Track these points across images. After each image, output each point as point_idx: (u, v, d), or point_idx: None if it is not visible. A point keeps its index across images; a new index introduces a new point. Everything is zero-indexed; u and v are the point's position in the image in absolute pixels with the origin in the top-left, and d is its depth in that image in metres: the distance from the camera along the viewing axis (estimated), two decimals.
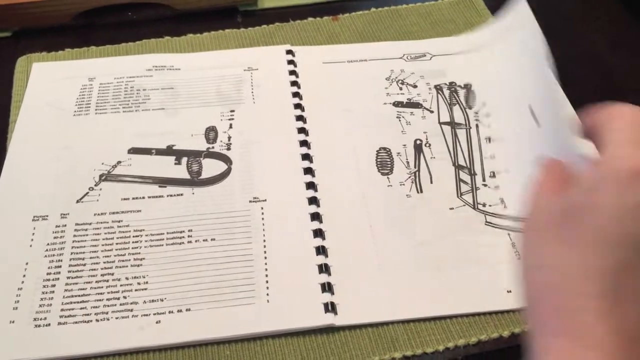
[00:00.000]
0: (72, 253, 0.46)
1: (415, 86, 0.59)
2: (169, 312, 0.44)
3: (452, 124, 0.56)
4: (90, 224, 0.48)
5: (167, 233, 0.48)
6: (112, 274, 0.45)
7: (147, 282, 0.45)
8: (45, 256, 0.46)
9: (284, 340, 0.43)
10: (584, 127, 0.34)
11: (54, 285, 0.45)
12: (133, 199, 0.50)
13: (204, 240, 0.47)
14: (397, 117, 0.56)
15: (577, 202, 0.30)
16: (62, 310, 0.43)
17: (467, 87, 0.59)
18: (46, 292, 0.44)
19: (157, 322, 0.43)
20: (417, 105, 0.58)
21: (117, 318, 0.43)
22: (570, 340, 0.28)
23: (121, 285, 0.45)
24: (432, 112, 0.57)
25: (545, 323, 0.29)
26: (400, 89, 0.59)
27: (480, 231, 0.49)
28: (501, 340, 0.43)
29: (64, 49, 0.62)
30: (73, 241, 0.47)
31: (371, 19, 0.67)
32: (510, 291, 0.45)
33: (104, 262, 0.46)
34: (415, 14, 0.67)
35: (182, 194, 0.50)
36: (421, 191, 0.51)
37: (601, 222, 0.28)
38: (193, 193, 0.50)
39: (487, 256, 0.47)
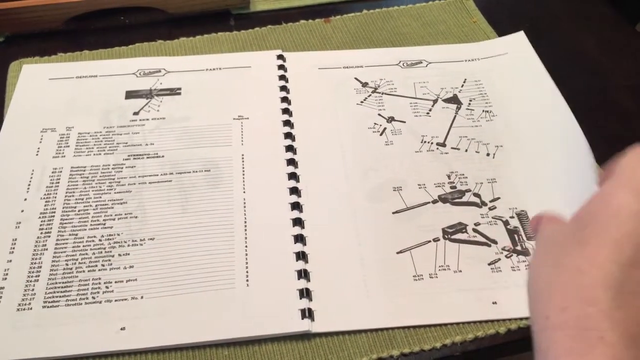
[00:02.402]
0: (53, 255, 0.46)
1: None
2: (146, 315, 0.43)
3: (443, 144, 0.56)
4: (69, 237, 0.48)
5: (148, 239, 0.48)
6: (93, 276, 0.45)
7: (128, 285, 0.45)
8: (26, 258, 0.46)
9: (282, 340, 0.43)
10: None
11: (34, 288, 0.44)
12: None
13: (185, 242, 0.47)
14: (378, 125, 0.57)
15: (590, 208, 0.32)
16: (41, 311, 0.43)
17: (455, 98, 0.59)
18: (26, 296, 0.44)
19: (133, 327, 0.43)
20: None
21: (97, 319, 0.43)
22: (574, 334, 0.28)
23: (103, 286, 0.45)
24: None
25: (549, 317, 0.30)
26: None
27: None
28: (498, 337, 0.44)
29: (56, 54, 0.62)
30: (56, 244, 0.47)
31: (363, 21, 0.67)
32: (495, 303, 0.45)
33: (87, 266, 0.46)
34: (406, 16, 0.68)
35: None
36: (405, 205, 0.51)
37: (613, 222, 0.30)
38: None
39: (470, 267, 0.47)
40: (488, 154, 0.54)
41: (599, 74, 0.63)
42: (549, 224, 0.36)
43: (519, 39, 0.64)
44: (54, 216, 0.49)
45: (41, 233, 0.48)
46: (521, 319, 0.44)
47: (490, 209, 0.50)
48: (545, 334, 0.30)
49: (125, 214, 0.49)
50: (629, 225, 0.30)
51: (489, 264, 0.47)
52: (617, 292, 0.29)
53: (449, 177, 0.53)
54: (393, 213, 0.50)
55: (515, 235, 0.49)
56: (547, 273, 0.32)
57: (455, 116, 0.58)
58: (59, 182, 0.51)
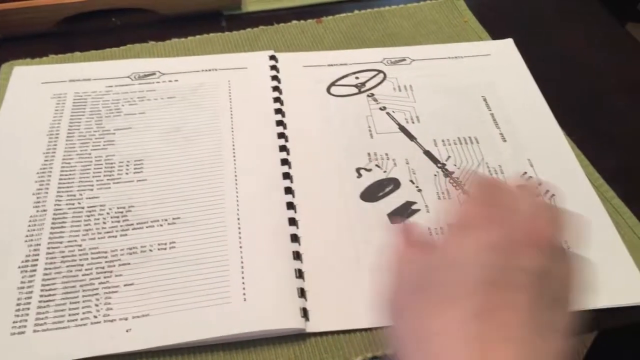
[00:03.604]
0: (46, 262, 0.46)
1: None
2: (143, 315, 0.43)
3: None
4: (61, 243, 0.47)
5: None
6: (87, 280, 0.45)
7: (120, 288, 0.45)
8: (19, 267, 0.46)
9: (276, 341, 0.43)
10: None
11: (30, 294, 0.44)
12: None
13: (178, 243, 0.47)
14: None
15: (434, 264, 0.32)
16: (37, 318, 0.43)
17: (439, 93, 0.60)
18: (21, 301, 0.44)
19: (127, 330, 0.42)
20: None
21: (92, 324, 0.43)
22: None
23: (100, 291, 0.45)
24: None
25: None
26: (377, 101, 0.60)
27: None
28: None
29: (47, 55, 0.62)
30: (47, 250, 0.47)
31: (355, 21, 0.67)
32: None
33: (84, 273, 0.46)
34: (398, 16, 0.68)
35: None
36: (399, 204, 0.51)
37: (450, 277, 0.30)
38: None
39: None
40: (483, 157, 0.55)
41: (590, 73, 0.64)
42: (409, 255, 0.35)
43: (507, 44, 0.65)
44: (44, 218, 0.48)
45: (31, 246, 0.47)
46: None
47: None
48: None
49: (116, 214, 0.49)
50: (470, 273, 0.30)
51: None
52: (476, 344, 0.28)
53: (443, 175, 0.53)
54: (388, 214, 0.50)
55: None
56: (405, 334, 0.31)
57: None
58: (49, 184, 0.51)
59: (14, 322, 0.43)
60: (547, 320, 0.29)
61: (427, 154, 0.54)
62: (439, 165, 0.54)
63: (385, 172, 0.53)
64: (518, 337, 0.28)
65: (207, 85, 0.59)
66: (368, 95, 0.59)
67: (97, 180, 0.51)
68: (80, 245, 0.47)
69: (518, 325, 0.28)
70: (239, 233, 0.48)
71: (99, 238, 0.47)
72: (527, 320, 0.28)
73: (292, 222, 0.49)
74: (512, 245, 0.30)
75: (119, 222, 0.48)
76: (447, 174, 0.53)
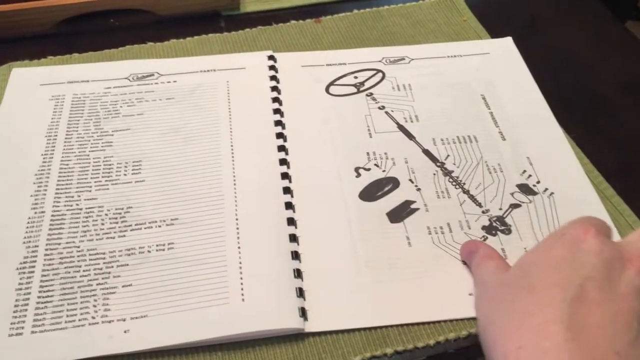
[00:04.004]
0: (44, 264, 0.46)
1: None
2: (141, 316, 0.43)
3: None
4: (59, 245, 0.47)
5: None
6: (86, 281, 0.45)
7: (118, 289, 0.45)
8: (17, 268, 0.46)
9: (275, 341, 0.43)
10: None
11: (27, 295, 0.44)
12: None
13: (176, 244, 0.47)
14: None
15: (532, 258, 0.38)
16: (34, 319, 0.43)
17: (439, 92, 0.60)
18: (19, 302, 0.44)
19: (125, 331, 0.42)
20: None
21: (90, 325, 0.43)
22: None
23: (98, 291, 0.44)
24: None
25: (507, 356, 0.33)
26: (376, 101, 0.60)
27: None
28: None
29: (46, 57, 0.62)
30: (45, 254, 0.47)
31: (354, 21, 0.67)
32: (471, 294, 0.45)
33: (82, 274, 0.45)
34: (397, 15, 0.68)
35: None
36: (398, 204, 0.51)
37: (554, 269, 0.36)
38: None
39: (463, 265, 0.47)
40: (482, 156, 0.54)
41: (589, 71, 0.64)
42: (487, 262, 0.43)
43: (506, 42, 0.65)
44: (42, 220, 0.48)
45: (29, 246, 0.47)
46: None
47: (484, 212, 0.51)
48: None
49: (115, 215, 0.49)
50: (567, 271, 0.35)
51: None
52: (568, 326, 0.32)
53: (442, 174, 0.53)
54: (386, 213, 0.50)
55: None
56: (499, 318, 0.36)
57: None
58: (47, 186, 0.51)
59: (11, 324, 0.42)
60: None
61: (426, 152, 0.54)
62: (438, 164, 0.53)
63: (384, 171, 0.53)
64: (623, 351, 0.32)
65: (205, 85, 0.59)
66: (367, 95, 0.59)
67: (95, 182, 0.51)
68: (78, 247, 0.47)
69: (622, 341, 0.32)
70: (237, 233, 0.48)
71: (97, 239, 0.47)
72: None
73: (291, 221, 0.49)
74: (616, 260, 0.36)
75: (117, 223, 0.48)
76: (447, 172, 0.53)
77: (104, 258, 0.46)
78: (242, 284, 0.45)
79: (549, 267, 0.36)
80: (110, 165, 0.52)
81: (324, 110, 0.58)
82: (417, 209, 0.50)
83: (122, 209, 0.49)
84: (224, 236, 0.48)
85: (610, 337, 0.32)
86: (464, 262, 0.47)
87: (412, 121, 0.57)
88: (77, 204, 0.49)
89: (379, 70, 0.61)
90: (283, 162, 0.53)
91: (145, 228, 0.48)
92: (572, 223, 0.39)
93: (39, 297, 0.44)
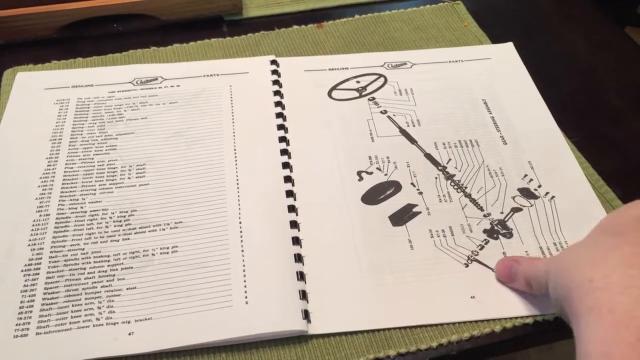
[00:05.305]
0: (48, 266, 0.46)
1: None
2: (145, 319, 0.43)
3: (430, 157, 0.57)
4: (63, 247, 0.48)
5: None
6: (90, 283, 0.45)
7: (123, 291, 0.45)
8: (22, 270, 0.46)
9: (278, 343, 0.43)
10: None
11: (32, 297, 0.44)
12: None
13: (180, 247, 0.47)
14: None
15: (614, 220, 0.38)
16: (39, 321, 0.43)
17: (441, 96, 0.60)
18: (24, 304, 0.44)
19: (130, 334, 0.43)
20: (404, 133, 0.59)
21: (95, 326, 0.43)
22: (619, 291, 0.32)
23: (103, 293, 0.45)
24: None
25: (593, 280, 0.34)
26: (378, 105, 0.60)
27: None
28: (493, 335, 0.44)
29: (50, 61, 0.62)
30: (50, 257, 0.47)
31: (355, 26, 0.68)
32: (473, 297, 0.45)
33: (86, 276, 0.46)
34: (398, 20, 0.68)
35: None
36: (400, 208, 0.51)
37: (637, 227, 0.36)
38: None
39: (465, 267, 0.47)
40: (483, 160, 0.55)
41: (589, 76, 0.64)
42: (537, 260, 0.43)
43: (507, 47, 0.65)
44: (47, 223, 0.49)
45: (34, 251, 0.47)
46: (516, 317, 0.44)
47: (485, 215, 0.51)
48: (589, 295, 0.33)
49: (119, 218, 0.49)
50: None
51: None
52: None
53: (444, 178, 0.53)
54: (388, 217, 0.50)
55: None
56: (585, 252, 0.37)
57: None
58: (52, 189, 0.51)
59: (16, 325, 0.43)
60: None
61: (428, 157, 0.55)
62: (439, 167, 0.54)
63: (386, 175, 0.53)
64: None
65: (208, 90, 0.60)
66: (369, 99, 0.60)
67: (100, 185, 0.51)
68: (82, 249, 0.47)
69: None
70: (241, 236, 0.48)
71: (101, 242, 0.48)
72: None
73: (294, 224, 0.49)
74: None
75: (121, 226, 0.49)
76: (448, 176, 0.53)
77: (108, 261, 0.46)
78: (245, 286, 0.45)
79: (633, 226, 0.36)
80: (114, 168, 0.53)
81: (326, 115, 0.58)
82: (419, 213, 0.51)
83: (127, 212, 0.49)
84: (227, 239, 0.48)
85: None
86: (500, 281, 0.46)
87: (414, 125, 0.57)
88: (82, 207, 0.50)
89: (381, 75, 0.62)
90: (286, 165, 0.53)
91: (149, 231, 0.48)
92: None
93: (43, 299, 0.44)
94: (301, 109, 0.59)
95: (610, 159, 0.56)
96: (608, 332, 0.31)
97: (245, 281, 0.45)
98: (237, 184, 0.52)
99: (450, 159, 0.54)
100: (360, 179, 0.53)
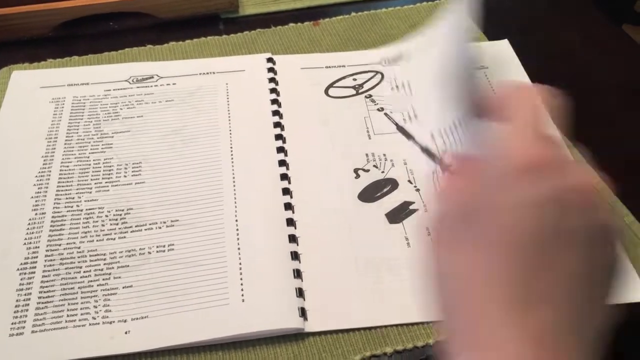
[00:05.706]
0: (44, 265, 0.46)
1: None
2: (142, 317, 0.43)
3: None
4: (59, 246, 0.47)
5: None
6: (86, 282, 0.45)
7: (119, 290, 0.45)
8: (18, 269, 0.46)
9: (275, 341, 0.43)
10: (491, 105, 0.33)
11: (28, 295, 0.44)
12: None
13: (176, 245, 0.47)
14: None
15: (478, 202, 0.28)
16: (35, 319, 0.43)
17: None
18: (19, 302, 0.44)
19: (126, 332, 0.43)
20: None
21: (91, 325, 0.43)
22: (479, 352, 0.25)
23: (98, 293, 0.45)
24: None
25: (458, 335, 0.27)
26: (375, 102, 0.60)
27: None
28: None
29: (46, 60, 0.62)
30: (45, 254, 0.47)
31: (352, 23, 0.68)
32: None
33: (82, 275, 0.46)
34: (394, 17, 0.68)
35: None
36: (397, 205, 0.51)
37: (502, 222, 0.27)
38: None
39: None
40: None
41: (586, 74, 0.64)
42: (447, 197, 0.31)
43: (502, 45, 0.65)
44: (43, 222, 0.49)
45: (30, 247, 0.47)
46: None
47: None
48: (458, 356, 0.26)
49: (115, 216, 0.49)
50: (521, 225, 0.27)
51: None
52: (518, 301, 0.26)
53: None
54: (385, 214, 0.50)
55: None
56: (448, 282, 0.29)
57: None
58: (47, 187, 0.51)
59: (12, 324, 0.43)
60: (594, 290, 0.27)
61: (426, 151, 0.55)
62: (437, 160, 0.54)
63: (383, 172, 0.53)
64: (561, 301, 0.26)
65: (205, 88, 0.59)
66: (366, 97, 0.59)
67: (96, 183, 0.51)
68: (79, 248, 0.47)
69: (562, 289, 0.26)
70: (237, 234, 0.48)
71: (97, 240, 0.47)
72: (574, 287, 0.26)
73: (290, 222, 0.49)
74: (569, 202, 0.27)
75: (117, 224, 0.48)
76: (445, 167, 0.53)
77: (104, 259, 0.46)
78: (242, 284, 0.45)
79: (508, 216, 0.28)
80: (110, 167, 0.52)
81: (323, 112, 0.58)
82: (416, 210, 0.51)
83: (123, 210, 0.49)
84: (223, 237, 0.48)
85: None
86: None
87: (411, 119, 0.57)
88: (78, 205, 0.50)
89: (377, 72, 0.62)
90: (282, 163, 0.53)
91: (145, 229, 0.48)
92: None
93: (39, 297, 0.44)
94: (298, 106, 0.59)
95: (607, 156, 0.55)
96: None
97: (241, 279, 0.45)
98: (234, 182, 0.52)
99: (447, 149, 0.54)
100: (357, 176, 0.53)
